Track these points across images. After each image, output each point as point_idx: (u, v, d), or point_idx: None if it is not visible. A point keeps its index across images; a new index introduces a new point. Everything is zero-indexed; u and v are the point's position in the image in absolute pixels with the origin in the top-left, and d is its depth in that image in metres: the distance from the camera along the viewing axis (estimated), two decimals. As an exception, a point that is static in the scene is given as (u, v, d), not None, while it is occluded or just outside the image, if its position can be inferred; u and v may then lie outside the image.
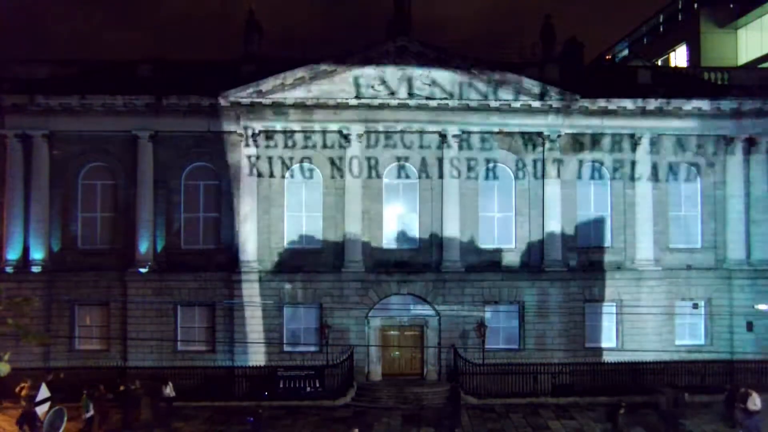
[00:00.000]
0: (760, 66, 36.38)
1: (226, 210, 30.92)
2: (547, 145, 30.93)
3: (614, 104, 30.66)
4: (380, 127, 30.57)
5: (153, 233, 30.54)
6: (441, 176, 30.77)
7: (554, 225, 30.84)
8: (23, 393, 24.48)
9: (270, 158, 30.69)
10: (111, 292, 30.05)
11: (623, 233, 31.49)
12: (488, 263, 31.02)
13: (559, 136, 30.90)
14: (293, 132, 30.61)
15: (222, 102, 29.86)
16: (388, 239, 31.26)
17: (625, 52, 49.82)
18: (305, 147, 30.77)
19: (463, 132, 30.68)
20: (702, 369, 29.63)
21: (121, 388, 25.50)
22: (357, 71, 30.27)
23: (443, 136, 30.70)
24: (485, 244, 31.30)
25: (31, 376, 25.09)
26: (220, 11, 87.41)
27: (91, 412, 23.67)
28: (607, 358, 30.18)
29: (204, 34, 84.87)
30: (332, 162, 30.82)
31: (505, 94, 30.45)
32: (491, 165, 31.31)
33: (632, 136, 31.27)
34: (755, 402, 22.53)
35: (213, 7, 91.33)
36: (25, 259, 30.07)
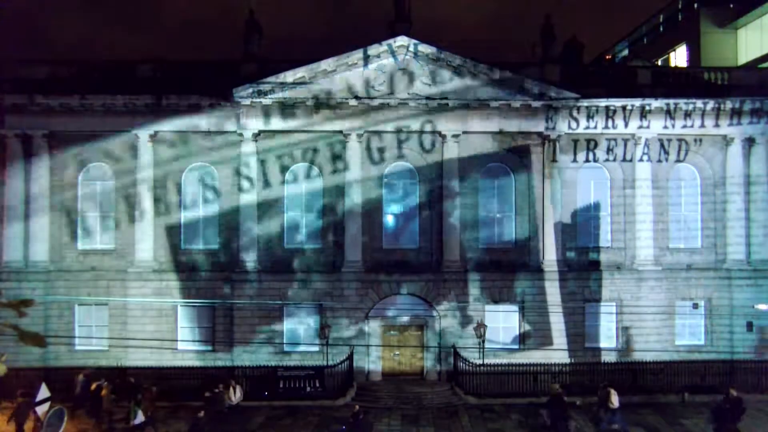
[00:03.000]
0: (760, 66, 36.32)
1: (225, 209, 30.96)
2: (547, 144, 30.95)
3: (614, 104, 30.70)
4: (380, 127, 30.58)
5: (153, 233, 30.55)
6: (441, 176, 30.83)
7: (554, 225, 30.86)
8: (102, 393, 24.12)
9: (270, 158, 30.74)
10: (111, 292, 30.09)
11: (623, 233, 31.51)
12: (488, 263, 31.05)
13: (559, 135, 30.92)
14: (293, 132, 30.63)
15: (222, 102, 29.92)
16: (388, 239, 31.28)
17: (625, 52, 49.76)
18: (305, 147, 30.81)
19: (463, 132, 30.70)
20: (702, 369, 29.54)
21: (206, 394, 24.37)
22: (357, 71, 30.31)
23: (443, 136, 30.72)
24: (485, 243, 31.34)
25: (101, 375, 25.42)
26: (220, 12, 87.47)
27: (141, 419, 21.29)
28: (607, 358, 30.22)
29: (204, 35, 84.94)
30: (332, 161, 30.86)
31: (505, 94, 30.47)
32: (491, 164, 31.33)
33: (632, 136, 31.29)
34: (612, 400, 23.71)
35: (213, 9, 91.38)
36: (25, 259, 30.08)
